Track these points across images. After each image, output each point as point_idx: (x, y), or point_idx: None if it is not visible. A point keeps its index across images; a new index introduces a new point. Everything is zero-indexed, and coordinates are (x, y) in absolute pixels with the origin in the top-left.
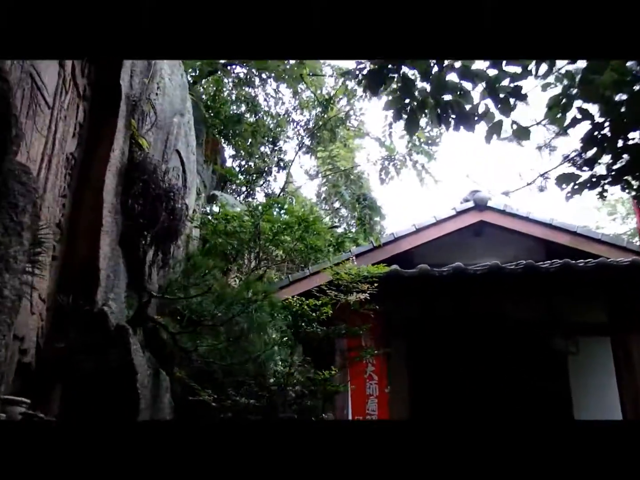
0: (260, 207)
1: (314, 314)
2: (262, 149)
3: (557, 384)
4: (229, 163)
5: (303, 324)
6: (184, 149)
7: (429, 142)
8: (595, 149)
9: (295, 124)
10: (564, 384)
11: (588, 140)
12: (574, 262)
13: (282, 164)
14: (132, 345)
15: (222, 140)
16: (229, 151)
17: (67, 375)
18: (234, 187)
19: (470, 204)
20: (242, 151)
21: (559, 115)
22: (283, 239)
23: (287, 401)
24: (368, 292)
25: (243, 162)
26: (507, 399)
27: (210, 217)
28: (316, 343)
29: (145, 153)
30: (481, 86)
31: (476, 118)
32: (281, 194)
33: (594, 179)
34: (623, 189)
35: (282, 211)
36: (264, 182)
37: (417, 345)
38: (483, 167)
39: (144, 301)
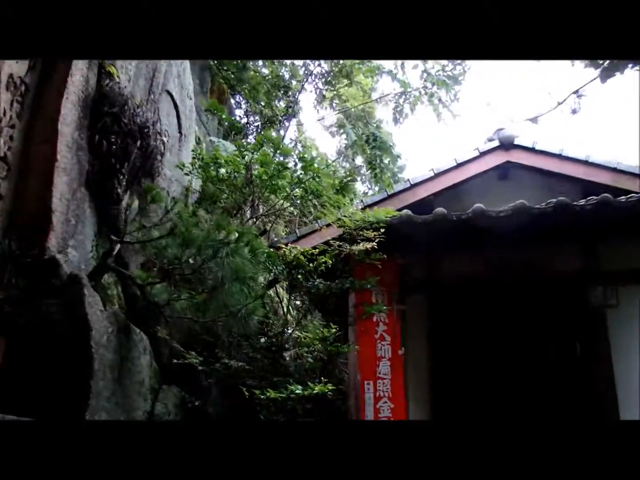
0: (251, 146)
1: (310, 265)
2: (275, 101)
3: (595, 341)
4: (237, 114)
5: (299, 276)
6: (177, 91)
7: (451, 80)
8: None
9: (313, 76)
10: (603, 341)
11: None
12: (613, 198)
13: (290, 111)
14: (88, 297)
15: (230, 90)
16: (244, 105)
17: (9, 329)
18: (240, 138)
19: (495, 144)
20: (249, 100)
21: None
22: (280, 184)
23: (281, 364)
24: (376, 239)
25: (251, 112)
26: (540, 360)
27: (201, 163)
28: (319, 299)
29: (116, 83)
30: None
31: None
32: (292, 145)
33: None
34: None
35: (278, 152)
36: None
37: (435, 302)
38: (508, 97)
39: (107, 249)
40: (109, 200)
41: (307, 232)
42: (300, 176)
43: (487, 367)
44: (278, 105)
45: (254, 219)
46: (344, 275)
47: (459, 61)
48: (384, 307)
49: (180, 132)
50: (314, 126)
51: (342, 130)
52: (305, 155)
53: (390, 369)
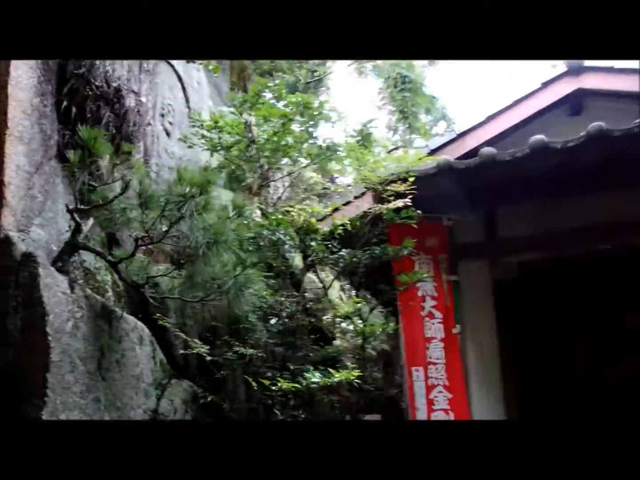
0: (245, 97)
1: (323, 229)
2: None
3: None
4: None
5: (312, 243)
6: (180, 62)
7: None
8: None
9: None
10: None
11: None
12: None
13: (316, 74)
14: (43, 278)
15: (253, 66)
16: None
17: None
18: None
19: (562, 69)
20: (272, 72)
21: None
22: (290, 145)
23: (297, 349)
24: (408, 195)
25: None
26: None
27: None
28: (349, 271)
29: None
30: None
31: None
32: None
33: None
34: None
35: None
36: None
37: (499, 268)
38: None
39: (75, 225)
40: (87, 174)
41: (342, 204)
42: (310, 129)
43: (572, 342)
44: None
45: (264, 188)
46: (374, 242)
47: None
48: (425, 275)
49: (188, 107)
50: (358, 101)
51: (381, 96)
52: (310, 101)
53: (444, 352)
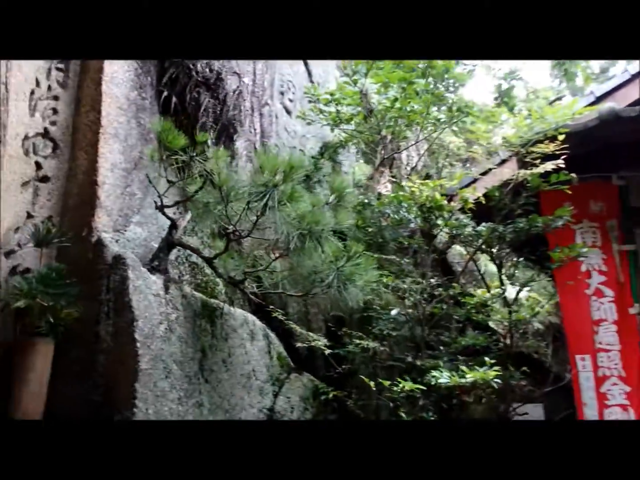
0: (360, 66)
1: (450, 204)
2: None
3: None
4: None
5: (439, 221)
6: None
7: None
8: None
9: None
10: None
11: None
12: None
13: None
14: (133, 281)
15: None
16: None
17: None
18: None
19: None
20: None
21: None
22: (415, 111)
23: (425, 341)
24: (560, 155)
25: None
26: None
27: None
28: (490, 246)
29: None
30: None
31: None
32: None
33: None
34: None
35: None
36: None
37: None
38: None
39: (170, 222)
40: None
41: (485, 171)
42: (440, 88)
43: None
44: None
45: (391, 159)
46: (519, 213)
47: None
48: (586, 250)
49: (311, 81)
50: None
51: None
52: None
53: (618, 336)
